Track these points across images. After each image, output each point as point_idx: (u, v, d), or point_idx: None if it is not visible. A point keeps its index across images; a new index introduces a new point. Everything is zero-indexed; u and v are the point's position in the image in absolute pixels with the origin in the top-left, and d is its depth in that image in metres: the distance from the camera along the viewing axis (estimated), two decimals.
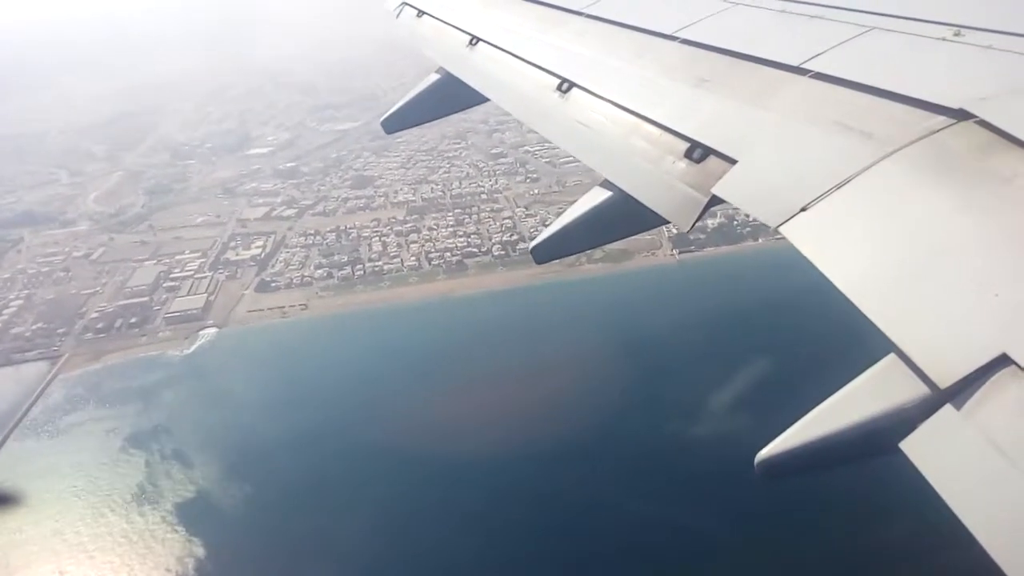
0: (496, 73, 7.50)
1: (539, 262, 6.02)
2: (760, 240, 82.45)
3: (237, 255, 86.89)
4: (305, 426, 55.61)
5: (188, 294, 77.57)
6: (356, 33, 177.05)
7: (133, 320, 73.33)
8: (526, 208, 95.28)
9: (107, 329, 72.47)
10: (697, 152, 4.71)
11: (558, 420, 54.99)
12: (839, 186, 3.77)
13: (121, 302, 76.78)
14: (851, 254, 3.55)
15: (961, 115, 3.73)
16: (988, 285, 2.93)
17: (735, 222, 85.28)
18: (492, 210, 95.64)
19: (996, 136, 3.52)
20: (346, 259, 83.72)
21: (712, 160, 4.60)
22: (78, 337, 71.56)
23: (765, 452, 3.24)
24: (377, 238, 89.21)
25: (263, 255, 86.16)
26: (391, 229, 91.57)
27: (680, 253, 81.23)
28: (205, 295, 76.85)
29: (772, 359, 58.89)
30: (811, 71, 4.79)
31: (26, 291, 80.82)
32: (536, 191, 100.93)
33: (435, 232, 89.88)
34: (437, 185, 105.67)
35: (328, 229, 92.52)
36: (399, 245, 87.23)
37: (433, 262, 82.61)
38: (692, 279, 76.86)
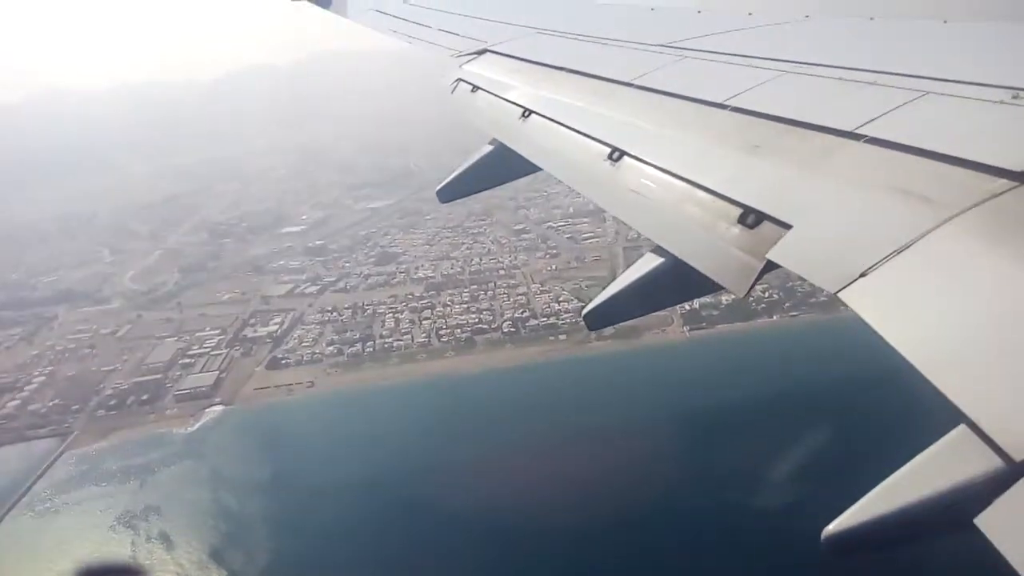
0: (547, 143, 7.69)
1: (592, 329, 6.09)
2: (775, 317, 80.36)
3: (255, 332, 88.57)
4: (290, 510, 55.18)
5: (201, 371, 79.02)
6: (403, 112, 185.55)
7: (145, 397, 74.81)
8: (541, 284, 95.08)
9: (119, 406, 74.05)
10: (751, 218, 4.64)
11: (554, 504, 53.52)
12: (899, 251, 3.66)
13: (136, 379, 78.59)
14: (915, 321, 3.42)
15: (1022, 178, 3.67)
16: None
17: (750, 298, 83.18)
18: (508, 286, 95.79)
19: None
20: (358, 336, 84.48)
21: (766, 225, 4.52)
22: (91, 414, 73.27)
23: (833, 527, 3.09)
24: (391, 315, 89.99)
25: (279, 332, 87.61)
26: (406, 305, 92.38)
27: (691, 330, 79.42)
28: (216, 372, 78.14)
29: (802, 435, 56.53)
30: (865, 136, 4.72)
31: (51, 367, 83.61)
32: (554, 267, 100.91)
33: (449, 308, 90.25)
34: (458, 261, 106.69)
35: (345, 306, 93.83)
36: (412, 322, 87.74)
37: (443, 339, 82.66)
38: (704, 356, 74.80)
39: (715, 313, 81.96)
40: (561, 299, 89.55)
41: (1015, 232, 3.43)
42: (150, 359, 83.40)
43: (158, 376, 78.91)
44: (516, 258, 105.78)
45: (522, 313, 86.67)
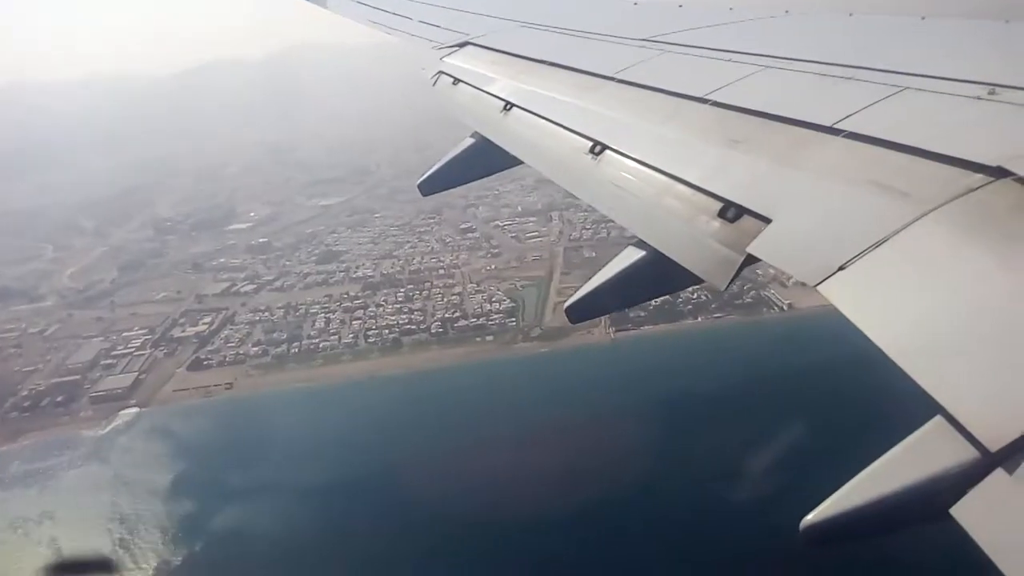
0: (529, 137, 7.70)
1: (573, 322, 6.18)
2: (700, 319, 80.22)
3: (183, 332, 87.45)
4: (184, 514, 54.47)
5: (121, 372, 77.90)
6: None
7: (60, 399, 73.62)
8: (477, 284, 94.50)
9: (33, 408, 72.86)
10: (731, 211, 4.70)
11: (460, 509, 53.21)
12: (877, 245, 3.74)
13: (55, 380, 77.35)
14: (892, 313, 3.52)
15: (999, 173, 3.71)
16: None
17: (678, 299, 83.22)
18: (444, 286, 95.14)
19: None
20: (285, 336, 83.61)
21: (746, 219, 4.58)
22: (2, 416, 71.98)
23: (811, 518, 3.11)
24: (323, 315, 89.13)
25: (207, 332, 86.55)
26: (340, 305, 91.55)
27: (616, 332, 79.11)
28: (136, 373, 77.08)
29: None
30: (844, 131, 4.77)
31: None
32: (493, 266, 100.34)
33: (382, 308, 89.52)
34: (399, 260, 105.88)
35: (279, 305, 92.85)
36: (342, 322, 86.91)
37: (370, 340, 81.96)
38: (627, 357, 74.48)
39: (642, 315, 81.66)
40: (494, 300, 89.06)
41: (991, 226, 3.51)
42: (72, 359, 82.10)
43: (77, 377, 77.68)
44: (457, 257, 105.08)
45: (453, 314, 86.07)
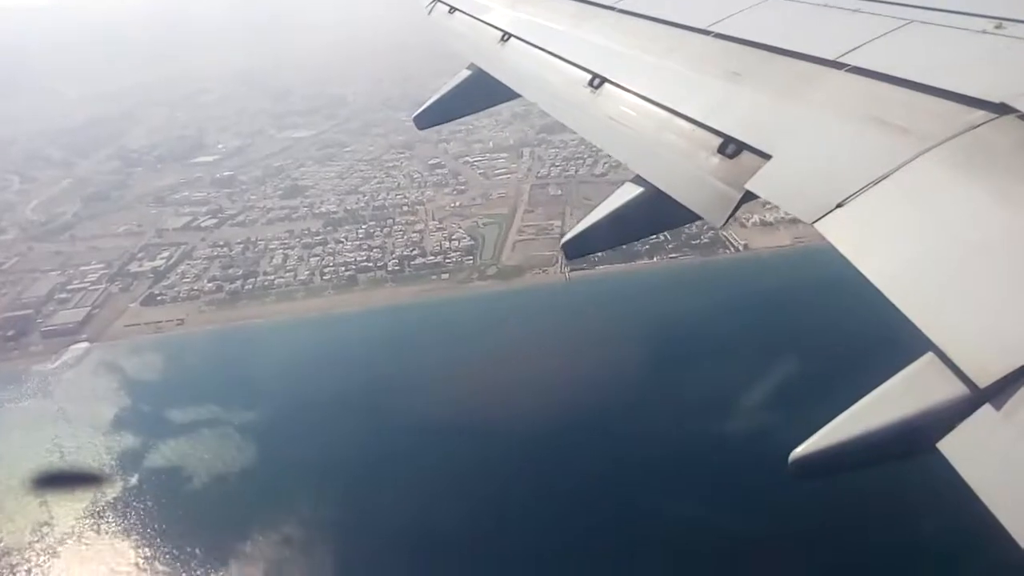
0: (527, 68, 7.52)
1: (569, 258, 6.66)
2: (656, 259, 79.75)
3: (140, 266, 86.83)
4: (122, 449, 55.04)
5: (74, 307, 77.59)
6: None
7: (11, 333, 73.51)
8: (440, 222, 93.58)
9: None
10: (730, 147, 4.64)
11: (397, 449, 53.98)
12: (876, 182, 3.72)
13: (8, 314, 77.05)
14: (888, 251, 3.52)
15: (1002, 109, 3.66)
16: None
17: (639, 239, 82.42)
18: (406, 223, 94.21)
19: None
20: (241, 272, 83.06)
21: (746, 155, 4.54)
22: None
23: (800, 451, 3.17)
24: (282, 251, 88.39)
25: (164, 267, 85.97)
26: (300, 241, 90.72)
27: (572, 271, 78.68)
28: (89, 308, 76.81)
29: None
30: (847, 65, 4.71)
31: None
32: (458, 203, 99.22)
33: (341, 245, 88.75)
34: (364, 196, 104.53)
35: (238, 240, 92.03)
36: (300, 258, 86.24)
37: (325, 277, 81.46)
38: (580, 297, 74.32)
39: (599, 254, 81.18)
40: (454, 237, 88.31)
41: (991, 164, 3.49)
42: (28, 293, 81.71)
43: (30, 311, 77.34)
44: (423, 193, 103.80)
45: (412, 251, 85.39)
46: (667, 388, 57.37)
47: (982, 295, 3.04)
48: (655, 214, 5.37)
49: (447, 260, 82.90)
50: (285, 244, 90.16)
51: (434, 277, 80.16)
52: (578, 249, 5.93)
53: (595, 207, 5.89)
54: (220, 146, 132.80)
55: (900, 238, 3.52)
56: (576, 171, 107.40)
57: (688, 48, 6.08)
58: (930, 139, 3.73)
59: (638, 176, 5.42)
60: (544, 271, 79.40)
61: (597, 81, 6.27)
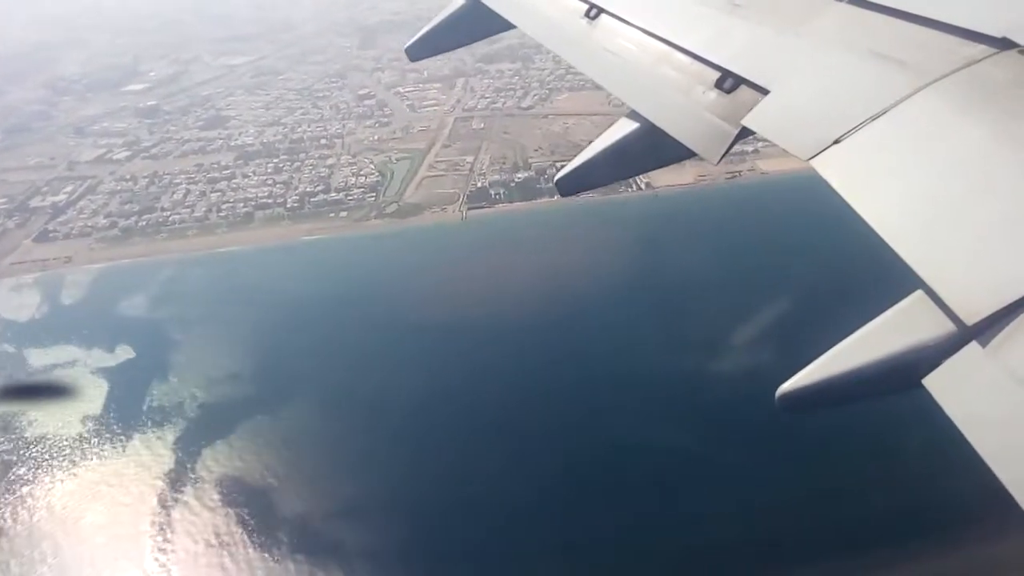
0: None
1: (564, 195, 5.94)
2: (556, 197, 77.75)
3: (42, 201, 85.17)
4: None
5: None
6: None
7: None
8: (353, 156, 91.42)
9: None
10: (728, 82, 4.58)
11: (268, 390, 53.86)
12: (874, 118, 3.66)
13: None
14: (882, 189, 3.51)
15: (1004, 44, 3.58)
16: (1021, 222, 2.88)
17: (544, 176, 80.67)
18: (319, 156, 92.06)
19: None
20: (138, 208, 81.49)
21: (743, 90, 4.48)
22: None
23: (787, 386, 3.19)
24: (185, 185, 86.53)
25: (65, 202, 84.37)
26: (206, 176, 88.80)
27: (470, 210, 77.03)
28: None
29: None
30: None
31: None
32: (377, 137, 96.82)
33: (247, 180, 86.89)
34: (285, 127, 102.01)
35: (145, 175, 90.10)
36: (201, 194, 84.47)
37: (222, 213, 79.88)
38: (472, 236, 72.88)
39: (503, 192, 79.48)
40: (363, 172, 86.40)
41: (990, 100, 3.43)
42: None
43: None
44: (345, 126, 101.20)
45: (316, 187, 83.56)
46: (541, 327, 56.56)
47: (974, 233, 3.01)
48: (650, 150, 5.22)
49: (349, 197, 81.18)
50: (191, 178, 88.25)
51: (332, 215, 78.56)
52: (572, 186, 5.78)
53: (590, 143, 5.76)
54: (152, 74, 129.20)
55: (894, 176, 3.48)
56: (504, 103, 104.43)
57: None
58: (929, 74, 3.65)
59: (633, 111, 5.28)
60: (443, 209, 77.79)
61: (594, 12, 6.15)
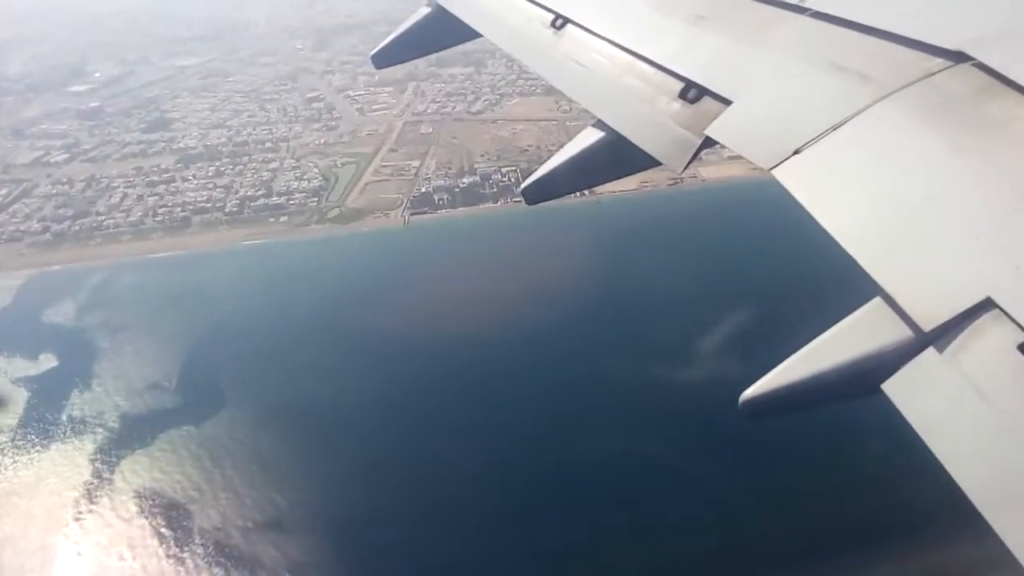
0: (488, 7, 7.42)
1: (530, 203, 5.99)
2: (500, 203, 77.77)
3: None
4: None
5: None
6: None
7: None
8: (297, 160, 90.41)
9: None
10: (692, 92, 4.69)
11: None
12: (833, 129, 3.77)
13: None
14: (841, 198, 3.58)
15: (959, 57, 3.70)
16: (976, 229, 2.99)
17: (489, 181, 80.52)
18: (263, 160, 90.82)
19: (993, 79, 3.52)
20: (72, 213, 79.63)
21: (707, 100, 4.58)
22: None
23: (750, 392, 3.26)
24: (123, 189, 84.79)
25: None
26: (145, 179, 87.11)
27: (413, 215, 76.50)
28: None
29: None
30: (809, 9, 4.70)
31: None
32: (323, 140, 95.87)
33: (187, 184, 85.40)
34: (230, 130, 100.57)
35: (82, 178, 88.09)
36: (139, 197, 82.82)
37: (158, 218, 78.37)
38: (417, 242, 72.34)
39: (447, 197, 79.08)
40: (306, 177, 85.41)
41: (945, 112, 3.53)
42: None
43: None
44: (291, 129, 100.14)
45: (257, 191, 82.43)
46: (477, 334, 56.12)
47: (931, 241, 3.08)
48: (616, 159, 5.33)
49: (291, 202, 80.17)
50: (129, 182, 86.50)
51: (272, 219, 77.52)
52: (538, 194, 5.85)
53: (554, 153, 5.84)
54: (97, 75, 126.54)
55: (854, 185, 3.55)
56: (454, 108, 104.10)
57: None
58: (888, 86, 3.76)
59: (599, 121, 5.36)
60: (386, 215, 77.20)
61: (560, 22, 6.22)
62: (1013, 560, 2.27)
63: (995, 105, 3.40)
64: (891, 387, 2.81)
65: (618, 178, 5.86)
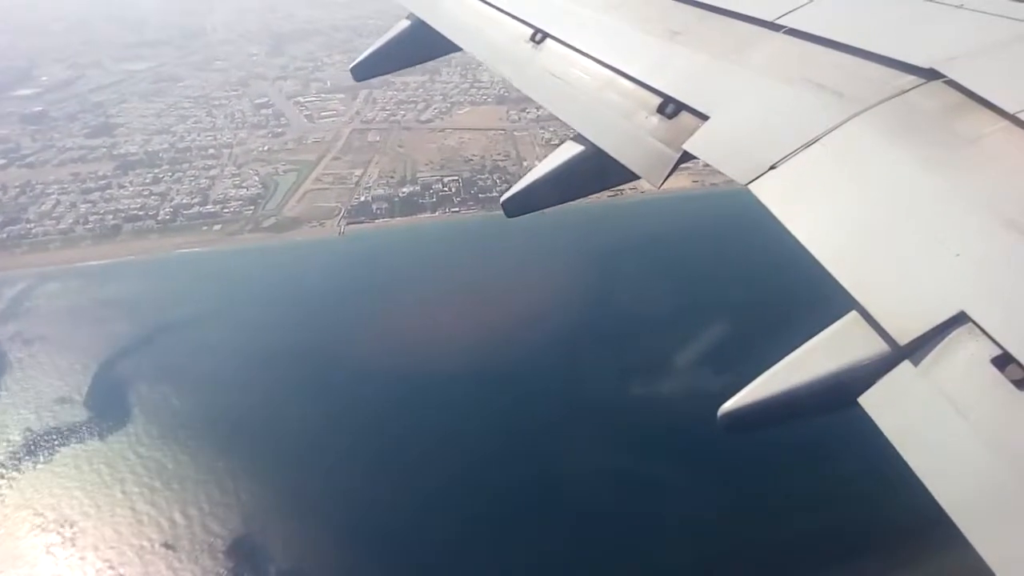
0: (468, 21, 7.33)
1: (510, 216, 5.92)
2: (439, 212, 77.01)
3: None
4: None
5: None
6: None
7: None
8: (238, 167, 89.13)
9: None
10: (670, 107, 4.72)
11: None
12: (808, 145, 3.81)
13: None
14: (817, 213, 3.60)
15: (931, 75, 3.76)
16: (949, 244, 3.02)
17: (429, 191, 79.79)
18: (203, 167, 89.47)
19: (964, 96, 3.57)
20: (1, 219, 77.81)
21: (685, 116, 4.62)
22: None
23: (728, 406, 3.26)
24: (57, 196, 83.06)
25: None
26: (81, 186, 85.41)
27: (349, 224, 75.51)
28: None
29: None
30: (785, 27, 4.77)
31: None
32: (267, 147, 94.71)
33: (122, 191, 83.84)
34: (174, 136, 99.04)
35: (17, 184, 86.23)
36: (72, 205, 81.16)
37: (88, 226, 76.78)
38: (349, 252, 71.33)
39: (385, 207, 78.19)
40: (246, 184, 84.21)
41: (918, 128, 3.58)
42: None
43: None
44: (236, 135, 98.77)
45: (193, 199, 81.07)
46: (401, 345, 55.18)
47: (905, 256, 3.11)
48: (594, 173, 5.36)
49: (226, 210, 78.90)
50: (64, 189, 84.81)
51: (205, 228, 76.21)
52: (517, 207, 5.79)
53: (535, 165, 5.83)
54: (44, 79, 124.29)
55: (828, 200, 3.58)
56: (404, 116, 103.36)
57: (629, 5, 6.11)
58: (862, 103, 3.81)
59: (578, 134, 5.39)
60: (322, 224, 76.18)
61: (539, 36, 6.25)
62: (989, 572, 2.27)
63: (966, 122, 3.46)
64: (867, 400, 2.83)
65: (597, 191, 5.85)
